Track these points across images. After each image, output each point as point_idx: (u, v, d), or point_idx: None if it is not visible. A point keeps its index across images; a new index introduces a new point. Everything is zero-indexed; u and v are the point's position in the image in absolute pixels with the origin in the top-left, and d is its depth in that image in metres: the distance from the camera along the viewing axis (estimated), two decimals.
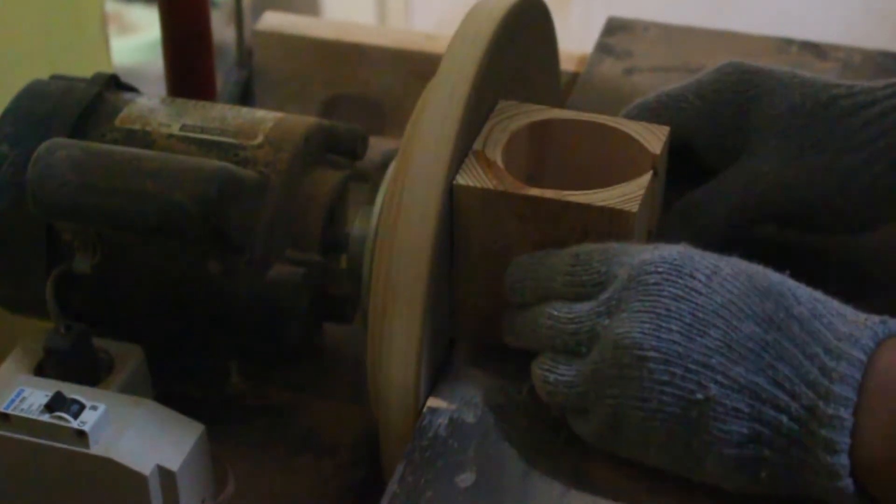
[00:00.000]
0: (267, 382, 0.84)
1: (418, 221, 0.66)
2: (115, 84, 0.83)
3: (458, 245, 0.69)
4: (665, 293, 0.60)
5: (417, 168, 0.66)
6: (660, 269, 0.60)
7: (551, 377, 0.63)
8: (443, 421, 0.67)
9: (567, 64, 1.01)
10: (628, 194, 0.66)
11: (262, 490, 0.77)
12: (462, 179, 0.67)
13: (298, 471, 0.79)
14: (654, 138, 0.71)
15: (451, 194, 0.67)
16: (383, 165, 0.77)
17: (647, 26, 1.06)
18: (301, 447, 0.80)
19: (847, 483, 0.56)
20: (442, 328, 0.70)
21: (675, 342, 0.59)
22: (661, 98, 0.75)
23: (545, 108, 0.73)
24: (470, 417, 0.67)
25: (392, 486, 0.63)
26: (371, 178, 0.84)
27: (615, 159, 0.71)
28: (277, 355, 0.80)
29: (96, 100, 0.80)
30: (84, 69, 0.87)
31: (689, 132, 0.74)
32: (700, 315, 0.59)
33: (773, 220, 0.74)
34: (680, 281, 0.60)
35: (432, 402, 0.68)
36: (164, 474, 0.69)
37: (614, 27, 1.06)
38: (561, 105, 0.92)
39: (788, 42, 1.03)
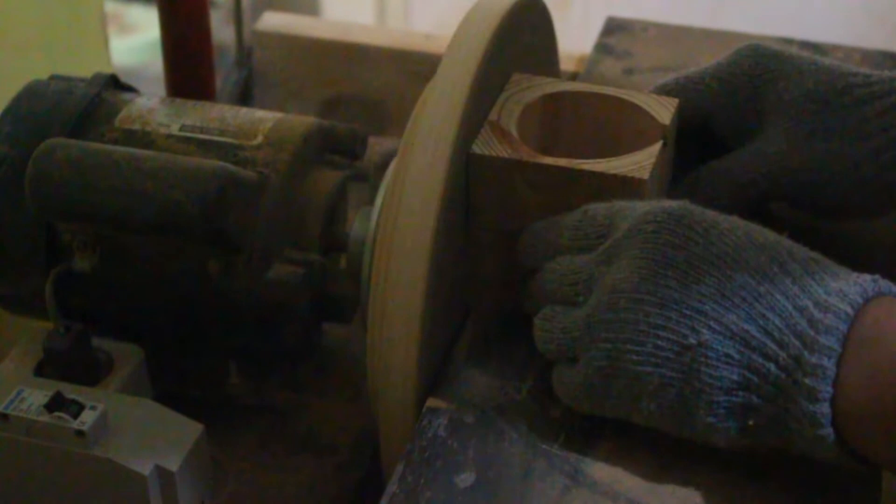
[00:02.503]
0: (266, 382, 0.84)
1: (417, 224, 0.66)
2: (114, 84, 0.83)
3: (473, 215, 0.71)
4: (662, 241, 0.61)
5: (417, 170, 0.66)
6: (658, 219, 0.62)
7: (548, 325, 0.65)
8: (442, 421, 0.67)
9: (567, 64, 1.01)
10: (640, 162, 0.68)
11: (262, 490, 0.77)
12: (478, 149, 0.69)
13: (298, 471, 0.79)
14: (663, 109, 0.72)
15: (467, 165, 0.69)
16: (383, 165, 0.77)
17: (646, 26, 1.06)
18: (300, 447, 0.80)
19: (828, 432, 0.57)
20: (442, 328, 0.70)
21: (670, 287, 0.60)
22: (679, 80, 0.76)
23: (558, 80, 0.75)
24: (469, 417, 0.67)
25: (391, 486, 0.63)
26: (371, 178, 0.84)
27: (626, 130, 0.73)
28: (277, 355, 0.80)
29: (95, 100, 0.80)
30: (83, 69, 0.87)
31: (707, 113, 0.75)
32: (696, 263, 0.60)
33: (777, 201, 0.74)
34: (678, 230, 0.61)
35: (432, 402, 0.68)
36: (164, 474, 0.69)
37: (614, 27, 1.06)
38: None
39: (788, 42, 1.03)
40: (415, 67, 1.10)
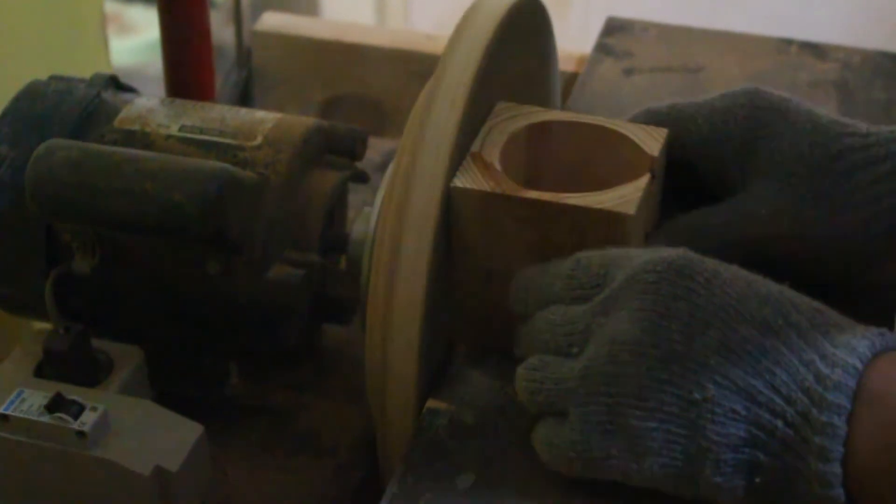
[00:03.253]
0: (266, 383, 0.84)
1: (418, 224, 0.66)
2: (114, 85, 0.83)
3: (455, 247, 0.69)
4: (664, 292, 0.59)
5: (417, 172, 0.66)
6: (658, 269, 0.60)
7: (538, 374, 0.62)
8: (442, 422, 0.67)
9: (566, 64, 1.01)
10: (626, 196, 0.66)
11: (262, 491, 0.77)
12: (459, 182, 0.67)
13: (298, 472, 0.79)
14: (651, 140, 0.71)
15: (448, 198, 0.67)
16: (383, 166, 0.77)
17: (646, 26, 1.06)
18: (300, 448, 0.80)
19: (838, 493, 0.56)
20: (442, 329, 0.70)
21: (674, 341, 0.58)
22: (672, 112, 0.74)
23: (543, 109, 0.73)
24: (469, 418, 0.67)
25: (391, 487, 0.63)
26: (370, 179, 0.84)
27: (613, 161, 0.71)
28: (277, 356, 0.80)
29: (95, 101, 0.80)
30: (83, 69, 0.87)
31: (693, 155, 0.73)
32: (698, 316, 0.58)
33: (763, 263, 0.73)
34: (679, 282, 0.59)
35: (432, 402, 0.68)
36: (164, 475, 0.69)
37: (614, 27, 1.06)
38: (561, 105, 0.92)
39: (788, 42, 1.03)
40: (415, 67, 1.10)
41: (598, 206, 0.66)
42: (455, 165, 0.67)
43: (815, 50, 1.02)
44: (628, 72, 1.00)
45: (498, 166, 0.68)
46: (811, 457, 0.56)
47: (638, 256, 0.62)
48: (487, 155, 0.69)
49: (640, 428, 0.58)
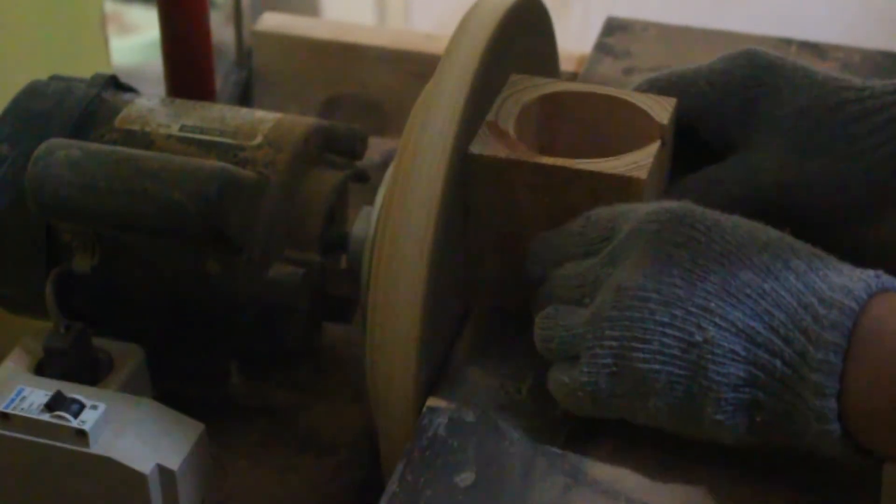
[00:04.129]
0: (267, 382, 0.84)
1: (419, 223, 0.66)
2: (114, 84, 0.83)
3: (472, 215, 0.71)
4: (666, 239, 0.62)
5: (417, 171, 0.66)
6: (661, 219, 0.62)
7: (550, 322, 0.65)
8: (442, 420, 0.67)
9: (566, 64, 1.01)
10: (638, 162, 0.68)
11: (262, 490, 0.77)
12: (475, 149, 0.69)
13: (298, 470, 0.79)
14: (661, 109, 0.72)
15: (465, 165, 0.69)
16: (383, 165, 0.77)
17: (646, 26, 1.06)
18: (301, 447, 0.80)
19: (834, 427, 0.58)
20: (442, 327, 0.70)
21: (675, 286, 0.60)
22: (672, 78, 0.76)
23: (555, 80, 0.75)
24: (470, 416, 0.67)
25: (392, 486, 0.64)
26: (371, 179, 0.84)
27: (624, 130, 0.73)
28: (277, 355, 0.80)
29: (96, 100, 0.80)
30: (83, 69, 0.87)
31: (695, 117, 0.75)
32: (700, 261, 0.61)
33: (769, 214, 0.74)
34: (681, 229, 0.62)
35: (432, 401, 0.68)
36: (164, 474, 0.69)
37: (613, 27, 1.06)
38: None
39: (788, 42, 1.03)
40: (415, 68, 1.10)
41: (611, 171, 0.68)
42: (454, 166, 0.67)
43: (815, 49, 1.02)
44: (628, 71, 1.00)
45: (513, 134, 0.70)
46: (808, 393, 0.58)
47: (643, 208, 0.64)
48: (503, 123, 0.71)
49: (644, 370, 0.61)
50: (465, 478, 0.64)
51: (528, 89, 0.74)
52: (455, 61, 0.69)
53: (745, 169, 0.73)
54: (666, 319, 0.60)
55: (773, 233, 0.62)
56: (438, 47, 1.08)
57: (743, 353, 0.59)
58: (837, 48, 1.02)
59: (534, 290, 0.69)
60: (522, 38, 0.76)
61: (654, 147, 0.70)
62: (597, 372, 0.62)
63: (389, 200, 0.68)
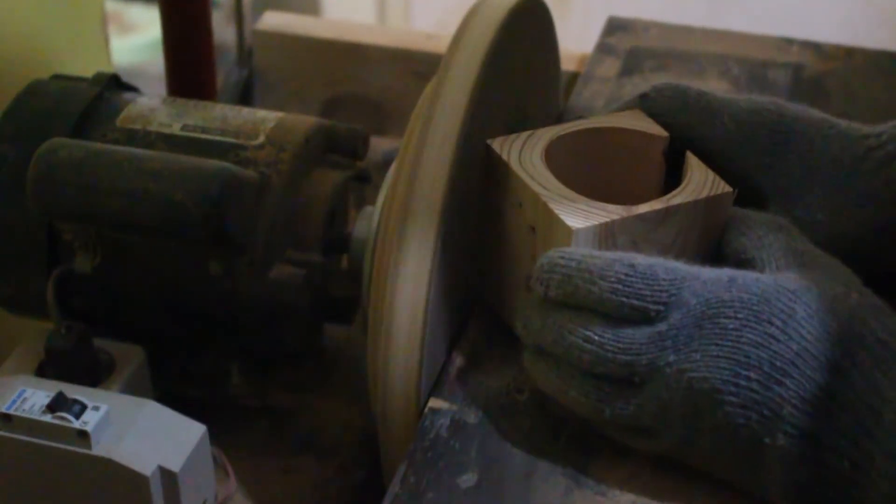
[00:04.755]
0: (268, 383, 0.84)
1: (421, 223, 0.66)
2: (115, 84, 0.83)
3: (481, 213, 0.70)
4: (744, 339, 0.59)
5: (421, 172, 0.66)
6: (739, 315, 0.60)
7: (607, 410, 0.62)
8: (444, 421, 0.67)
9: (568, 64, 1.01)
10: (710, 179, 0.67)
11: (263, 491, 0.77)
12: (570, 222, 0.65)
13: (299, 471, 0.79)
14: (649, 123, 0.72)
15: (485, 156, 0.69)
16: (385, 165, 0.77)
17: (647, 26, 1.06)
18: (302, 448, 0.80)
19: None
20: (444, 328, 0.70)
21: (753, 390, 0.59)
22: (700, 101, 0.74)
23: (536, 132, 0.71)
24: (471, 418, 0.67)
25: (394, 487, 0.63)
26: (372, 179, 0.84)
27: (620, 156, 0.72)
28: (278, 356, 0.80)
29: (97, 100, 0.80)
30: (84, 69, 0.87)
31: (715, 151, 0.73)
32: (778, 364, 0.59)
33: None
34: (759, 328, 0.59)
35: (434, 402, 0.68)
36: (166, 475, 0.69)
37: (614, 27, 1.06)
38: (562, 105, 0.92)
39: (789, 42, 1.03)
40: (416, 67, 1.10)
41: (705, 195, 0.67)
42: (457, 165, 0.67)
43: (815, 49, 1.02)
44: (628, 72, 1.00)
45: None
46: (876, 495, 0.57)
47: (712, 284, 0.61)
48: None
49: (712, 451, 0.61)
50: (467, 479, 0.64)
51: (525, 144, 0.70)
52: (458, 61, 0.69)
53: (799, 222, 0.70)
54: (741, 421, 0.59)
55: (844, 313, 0.60)
56: (439, 47, 1.08)
57: (810, 456, 0.58)
58: (838, 47, 1.02)
59: (530, 304, 0.65)
60: (524, 38, 0.76)
61: (692, 160, 0.69)
62: (668, 448, 0.62)
63: (391, 201, 0.68)
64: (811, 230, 0.69)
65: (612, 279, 0.61)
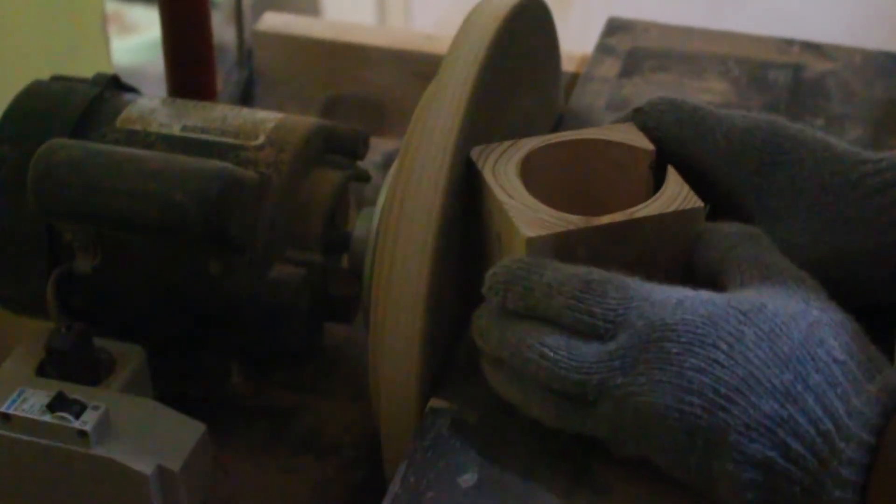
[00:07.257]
0: (268, 382, 0.84)
1: (422, 222, 0.66)
2: (115, 84, 0.83)
3: (476, 216, 0.70)
4: (687, 364, 0.59)
5: (419, 173, 0.66)
6: (682, 340, 0.59)
7: (568, 424, 0.63)
8: (445, 421, 0.67)
9: (568, 64, 1.01)
10: (682, 193, 0.66)
11: (263, 490, 0.77)
12: (529, 232, 0.64)
13: (299, 471, 0.79)
14: (636, 136, 0.71)
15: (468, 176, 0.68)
16: (385, 165, 0.77)
17: (647, 27, 1.06)
18: (302, 447, 0.80)
19: None
20: (444, 327, 0.70)
21: (697, 416, 0.58)
22: (695, 116, 0.73)
23: (518, 141, 0.71)
24: (472, 418, 0.67)
25: (394, 487, 0.63)
26: (372, 179, 0.84)
27: (603, 167, 0.71)
28: (278, 355, 0.80)
29: (97, 100, 0.80)
30: (84, 69, 0.87)
31: (707, 167, 0.72)
32: (722, 391, 0.58)
33: None
34: (702, 352, 0.59)
35: (434, 402, 0.68)
36: (166, 474, 0.69)
37: (614, 27, 1.06)
38: (563, 105, 0.92)
39: (789, 42, 1.03)
40: (416, 68, 1.10)
41: (672, 209, 0.66)
42: (457, 165, 0.67)
43: (815, 50, 1.02)
44: (628, 72, 1.00)
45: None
46: None
47: (660, 304, 0.61)
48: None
49: (663, 466, 0.60)
50: (468, 479, 0.64)
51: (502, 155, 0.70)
52: (458, 61, 0.69)
53: (778, 242, 0.69)
54: (686, 444, 0.58)
55: (796, 334, 0.59)
56: (439, 47, 1.08)
57: (761, 480, 0.57)
58: (838, 48, 1.02)
59: (486, 313, 0.64)
60: (525, 39, 0.76)
61: (672, 176, 0.68)
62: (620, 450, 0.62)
63: (391, 201, 0.68)
64: (791, 253, 0.68)
65: (568, 294, 0.61)
